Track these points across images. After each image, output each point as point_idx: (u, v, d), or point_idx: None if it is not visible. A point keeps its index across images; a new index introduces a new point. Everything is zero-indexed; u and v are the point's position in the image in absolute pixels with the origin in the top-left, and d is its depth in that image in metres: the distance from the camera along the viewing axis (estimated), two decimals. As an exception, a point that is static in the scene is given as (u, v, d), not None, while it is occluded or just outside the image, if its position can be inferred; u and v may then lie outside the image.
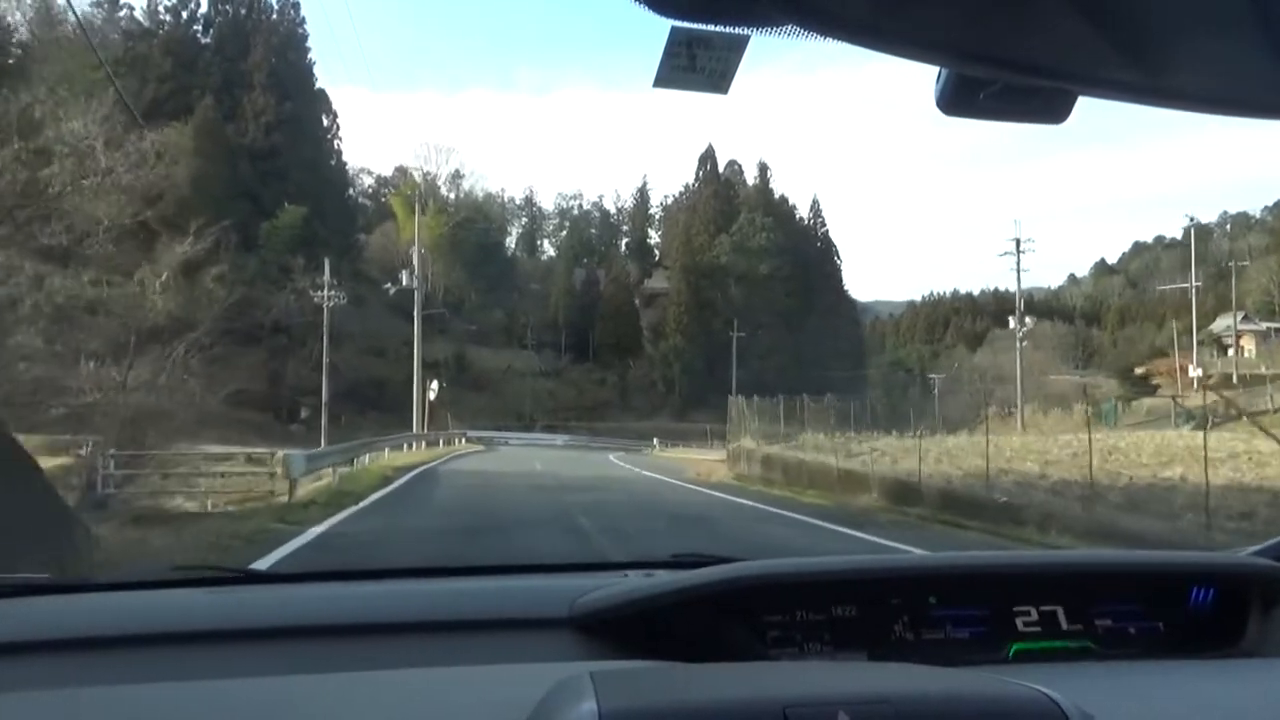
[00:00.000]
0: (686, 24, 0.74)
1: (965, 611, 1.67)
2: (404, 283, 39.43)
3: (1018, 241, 44.79)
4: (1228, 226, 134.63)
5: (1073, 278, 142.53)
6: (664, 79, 0.96)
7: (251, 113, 57.81)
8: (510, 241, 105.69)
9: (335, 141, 72.03)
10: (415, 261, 40.31)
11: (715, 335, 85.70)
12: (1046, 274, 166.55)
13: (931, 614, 1.66)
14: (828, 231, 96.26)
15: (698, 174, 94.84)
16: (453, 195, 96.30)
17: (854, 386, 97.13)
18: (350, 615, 1.63)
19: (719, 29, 0.66)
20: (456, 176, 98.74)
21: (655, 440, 52.00)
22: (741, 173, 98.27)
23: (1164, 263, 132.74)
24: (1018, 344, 44.34)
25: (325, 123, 70.65)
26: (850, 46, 0.63)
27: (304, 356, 53.50)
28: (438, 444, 37.70)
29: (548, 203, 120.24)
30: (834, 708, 0.95)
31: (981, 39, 0.65)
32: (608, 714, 0.94)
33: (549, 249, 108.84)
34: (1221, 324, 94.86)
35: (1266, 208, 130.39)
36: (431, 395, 37.20)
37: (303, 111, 60.17)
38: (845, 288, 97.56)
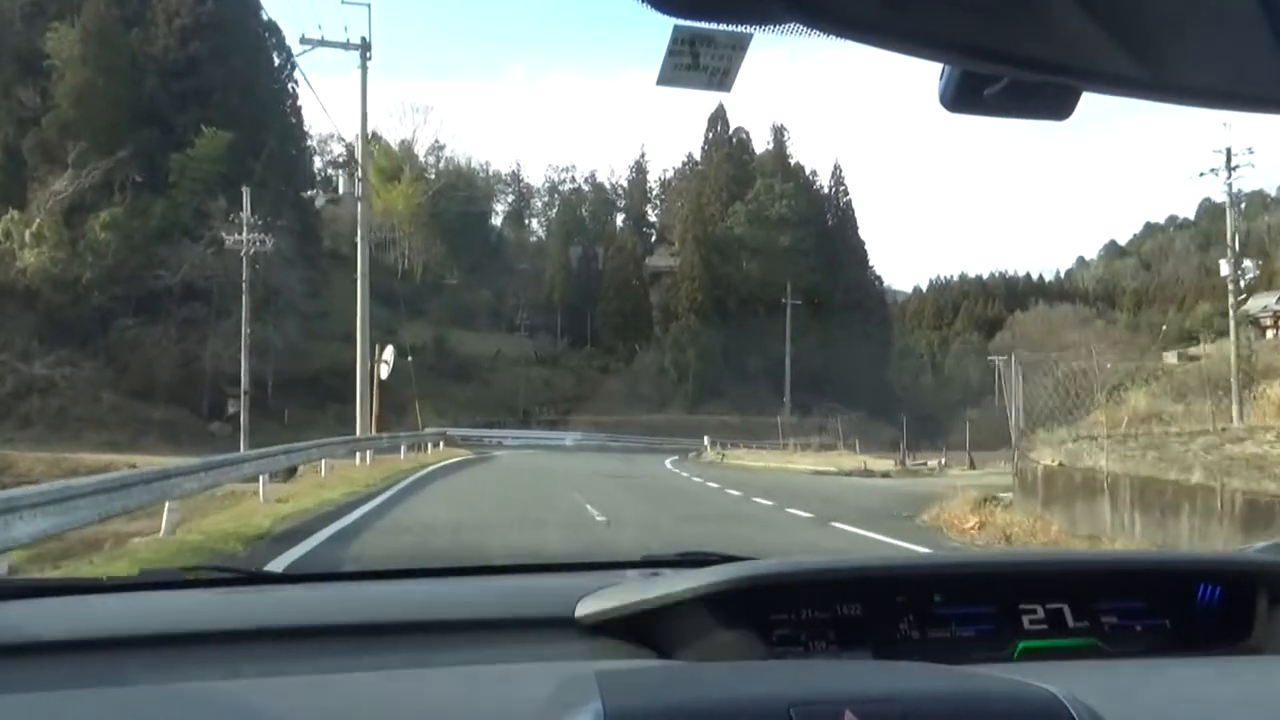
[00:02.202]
0: (689, 22, 0.72)
1: (971, 610, 1.58)
2: (340, 189, 23.93)
3: (1228, 152, 29.78)
4: (1242, 205, 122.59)
5: (1081, 260, 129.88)
6: (667, 77, 0.95)
7: (163, 14, 41.83)
8: (496, 221, 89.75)
9: (290, 84, 56.00)
10: (359, 147, 24.63)
11: (730, 316, 70.82)
12: (1053, 257, 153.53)
13: (937, 612, 1.57)
14: (850, 201, 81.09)
15: (707, 136, 79.72)
16: (433, 161, 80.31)
17: (882, 372, 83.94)
18: (356, 615, 1.55)
19: (722, 27, 0.64)
20: (437, 147, 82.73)
21: (706, 440, 35.89)
22: (749, 140, 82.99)
23: (1178, 243, 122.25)
24: (1230, 300, 29.29)
25: (276, 61, 54.68)
26: (848, 42, 0.60)
27: (231, 331, 37.39)
28: (398, 451, 22.45)
29: (536, 177, 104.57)
30: (840, 706, 0.92)
31: (986, 36, 0.62)
32: (613, 714, 0.91)
33: (538, 229, 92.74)
34: (1257, 304, 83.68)
35: None
36: (384, 371, 21.91)
37: (233, 15, 44.02)
38: (871, 263, 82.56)
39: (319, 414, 50.35)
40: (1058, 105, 0.71)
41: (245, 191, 30.57)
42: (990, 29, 0.61)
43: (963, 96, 0.70)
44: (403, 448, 23.14)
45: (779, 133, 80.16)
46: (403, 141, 79.46)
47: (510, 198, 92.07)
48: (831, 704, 0.92)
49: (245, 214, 29.94)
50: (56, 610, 1.56)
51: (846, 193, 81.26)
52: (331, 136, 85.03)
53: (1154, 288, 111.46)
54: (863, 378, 73.92)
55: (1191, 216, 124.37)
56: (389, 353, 22.19)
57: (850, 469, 23.04)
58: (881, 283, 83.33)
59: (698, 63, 0.85)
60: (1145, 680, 1.38)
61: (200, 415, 38.48)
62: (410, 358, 28.57)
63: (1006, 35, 0.62)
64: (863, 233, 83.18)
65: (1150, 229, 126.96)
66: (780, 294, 71.92)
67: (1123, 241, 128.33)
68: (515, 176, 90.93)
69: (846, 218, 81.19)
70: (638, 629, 1.46)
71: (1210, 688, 1.36)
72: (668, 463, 28.10)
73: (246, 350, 29.90)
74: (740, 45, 0.85)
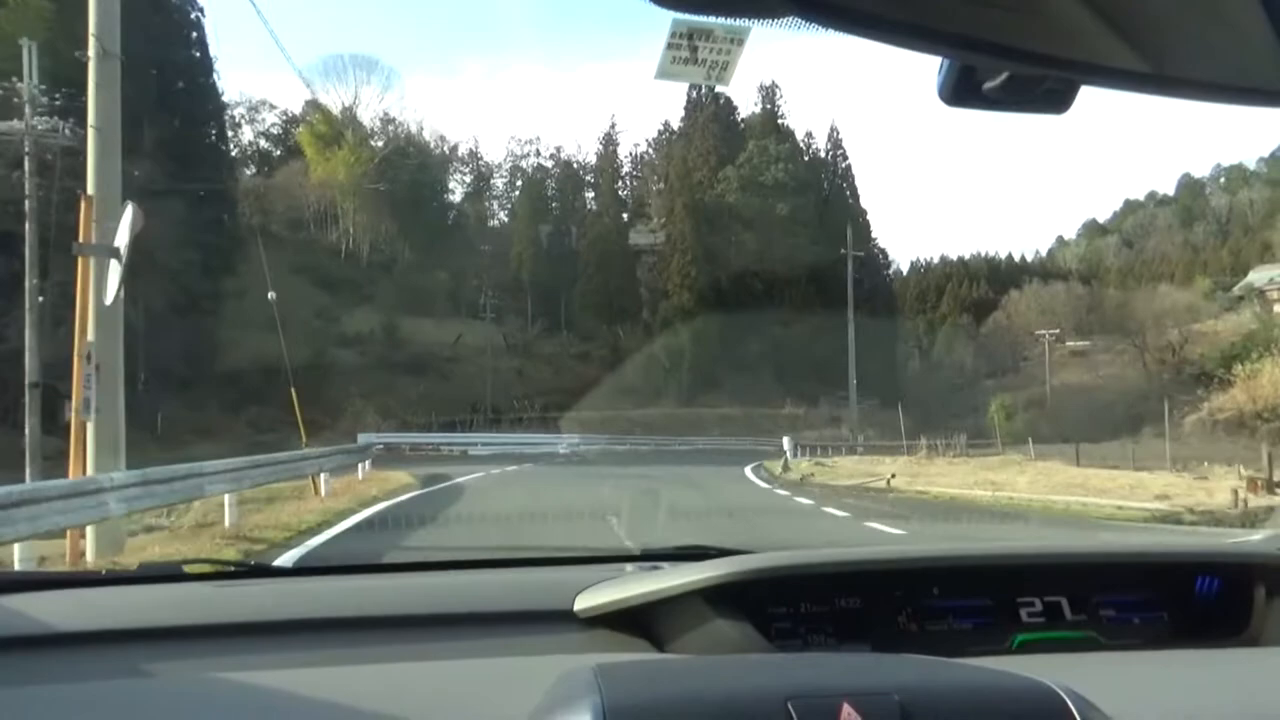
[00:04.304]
0: (688, 16, 0.68)
1: (969, 603, 1.53)
2: None
3: None
4: (1221, 180, 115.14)
5: (1061, 240, 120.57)
6: (665, 71, 0.97)
7: None
8: (453, 197, 75.61)
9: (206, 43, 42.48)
10: None
11: (725, 295, 58.20)
12: (1032, 238, 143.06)
13: (935, 605, 1.52)
14: (850, 166, 68.82)
15: (689, 96, 67.01)
16: (378, 126, 66.23)
17: (890, 357, 72.13)
18: (355, 609, 1.48)
19: (721, 20, 0.61)
20: (386, 119, 68.53)
21: (788, 442, 22.40)
22: (733, 101, 70.37)
23: (1160, 219, 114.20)
24: None
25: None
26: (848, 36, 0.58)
27: (67, 303, 23.20)
28: (219, 508, 9.06)
29: (497, 153, 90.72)
30: (837, 699, 0.90)
31: (985, 30, 0.59)
32: (612, 707, 0.88)
33: (499, 212, 78.66)
34: (1262, 276, 74.01)
35: (1262, 159, 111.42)
36: (111, 286, 8.51)
37: None
38: (874, 236, 70.40)
39: (230, 420, 36.66)
40: (1057, 99, 0.68)
41: (28, 51, 16.95)
42: (990, 23, 0.58)
43: (962, 90, 0.67)
44: (230, 501, 9.26)
45: (769, 92, 67.49)
46: (345, 108, 65.53)
47: (468, 177, 78.14)
48: (829, 697, 0.89)
49: (26, 77, 16.37)
50: (57, 603, 1.46)
51: (845, 157, 68.95)
52: (264, 103, 71.09)
53: (1139, 265, 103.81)
54: (870, 363, 62.19)
55: (1171, 192, 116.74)
56: (125, 225, 8.36)
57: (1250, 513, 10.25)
58: (886, 256, 70.97)
59: (696, 56, 0.82)
60: (1143, 673, 1.31)
61: (7, 424, 24.68)
62: (276, 304, 15.29)
63: (1006, 29, 0.59)
64: (864, 201, 70.88)
65: (1130, 206, 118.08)
66: (781, 267, 59.71)
67: (1103, 219, 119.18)
68: (473, 154, 76.92)
69: (846, 184, 68.86)
70: (636, 622, 1.40)
71: (1208, 680, 1.29)
72: (767, 484, 15.49)
73: (34, 316, 16.29)
74: (739, 39, 0.82)
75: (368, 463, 16.76)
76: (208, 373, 37.30)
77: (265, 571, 1.94)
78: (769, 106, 67.44)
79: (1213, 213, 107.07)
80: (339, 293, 57.58)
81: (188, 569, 1.75)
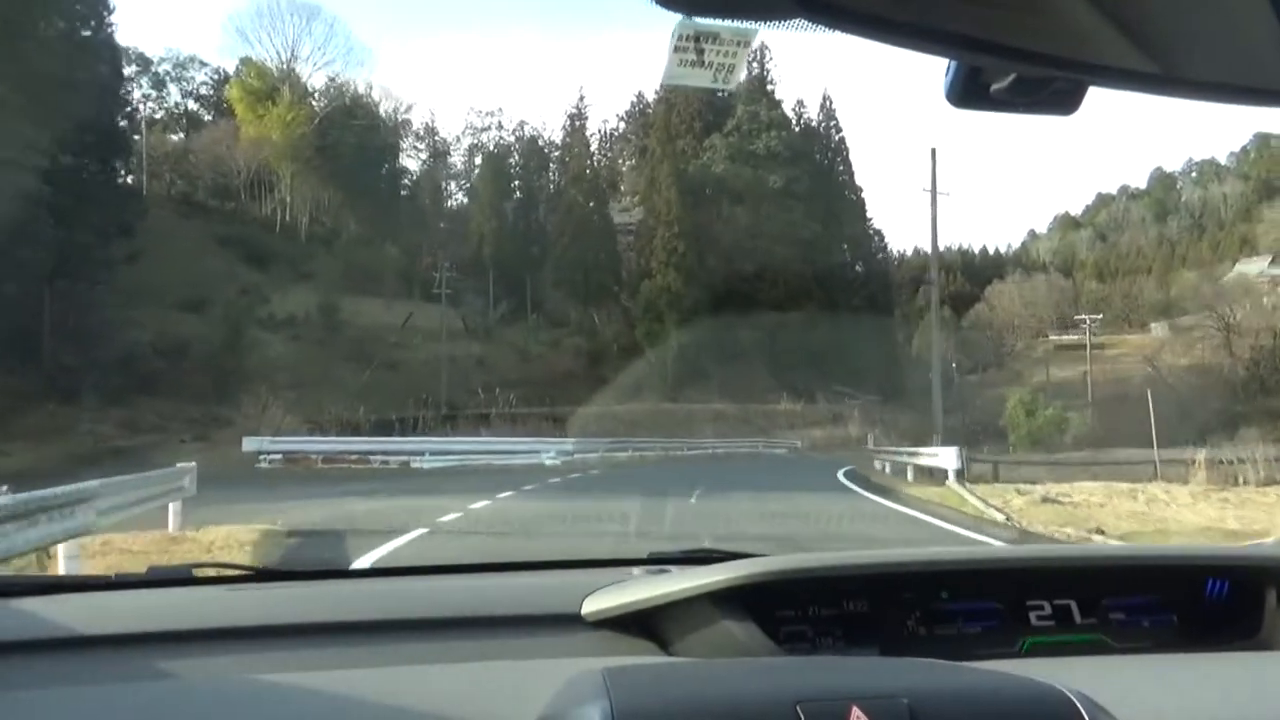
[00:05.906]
0: (694, 18, 0.70)
1: (978, 606, 1.49)
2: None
3: None
4: (1193, 174, 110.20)
5: (1033, 233, 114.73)
6: (672, 75, 0.95)
7: None
8: (406, 166, 65.49)
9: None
10: None
11: (714, 276, 49.60)
12: (1004, 232, 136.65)
13: (944, 609, 1.48)
14: (844, 139, 60.41)
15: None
16: (321, 84, 56.23)
17: (890, 348, 64.23)
18: (365, 612, 1.45)
19: (728, 23, 0.60)
20: (334, 87, 58.48)
21: (953, 456, 13.41)
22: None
23: (1133, 213, 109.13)
24: None
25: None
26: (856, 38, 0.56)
27: None
28: None
29: (455, 126, 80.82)
30: (847, 703, 0.88)
31: (993, 30, 0.57)
32: (621, 711, 0.87)
33: (457, 192, 68.91)
34: (1251, 269, 68.22)
35: (1233, 153, 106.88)
36: None
37: None
38: (869, 215, 62.17)
39: (96, 416, 26.89)
40: (1064, 100, 0.66)
41: None
42: (997, 24, 0.56)
43: (969, 92, 0.65)
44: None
45: (758, 54, 58.67)
46: (281, 61, 55.51)
47: (424, 154, 68.17)
48: (838, 700, 0.88)
49: None
50: (67, 607, 1.44)
51: (839, 129, 60.50)
52: (193, 60, 60.67)
53: (1114, 258, 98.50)
54: (869, 356, 54.32)
55: (1144, 186, 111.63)
56: None
57: None
58: (883, 238, 62.76)
59: (703, 59, 0.81)
60: (1153, 676, 1.28)
61: None
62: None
63: (1013, 30, 0.57)
64: (859, 178, 62.56)
65: (1102, 199, 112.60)
66: (775, 247, 51.29)
67: (1075, 213, 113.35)
68: (429, 128, 66.95)
69: (841, 159, 60.46)
70: (644, 626, 1.37)
71: (1218, 683, 1.25)
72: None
73: None
74: (745, 40, 0.81)
75: (174, 509, 7.53)
76: (72, 355, 27.37)
77: (275, 575, 1.86)
78: (758, 70, 58.77)
79: (1185, 207, 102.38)
80: (272, 269, 47.90)
81: (197, 573, 1.70)
